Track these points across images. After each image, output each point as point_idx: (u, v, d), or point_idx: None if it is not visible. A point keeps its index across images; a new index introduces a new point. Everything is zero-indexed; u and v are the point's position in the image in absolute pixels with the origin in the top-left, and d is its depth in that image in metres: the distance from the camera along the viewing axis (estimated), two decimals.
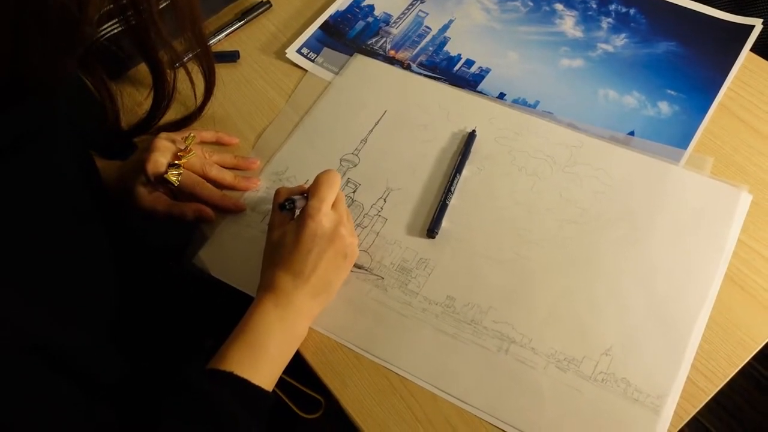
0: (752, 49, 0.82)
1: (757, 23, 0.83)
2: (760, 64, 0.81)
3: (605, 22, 0.86)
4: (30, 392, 0.46)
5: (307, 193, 0.66)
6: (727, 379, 0.63)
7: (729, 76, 0.80)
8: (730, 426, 1.27)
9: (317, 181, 0.65)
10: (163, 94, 0.74)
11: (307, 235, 0.62)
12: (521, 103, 0.80)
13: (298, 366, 0.66)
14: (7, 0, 0.41)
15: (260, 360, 0.60)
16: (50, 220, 0.54)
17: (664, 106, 0.78)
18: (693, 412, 0.61)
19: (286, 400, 0.73)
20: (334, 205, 0.65)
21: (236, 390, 0.57)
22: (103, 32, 0.78)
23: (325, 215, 0.63)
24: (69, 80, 0.66)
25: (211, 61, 0.75)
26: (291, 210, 0.65)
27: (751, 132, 0.76)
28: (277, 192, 0.67)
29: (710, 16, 0.85)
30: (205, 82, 0.76)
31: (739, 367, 0.63)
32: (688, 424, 0.62)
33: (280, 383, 0.65)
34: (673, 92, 0.79)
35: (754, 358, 0.64)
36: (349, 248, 0.65)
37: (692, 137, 0.76)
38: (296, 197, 0.65)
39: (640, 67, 0.82)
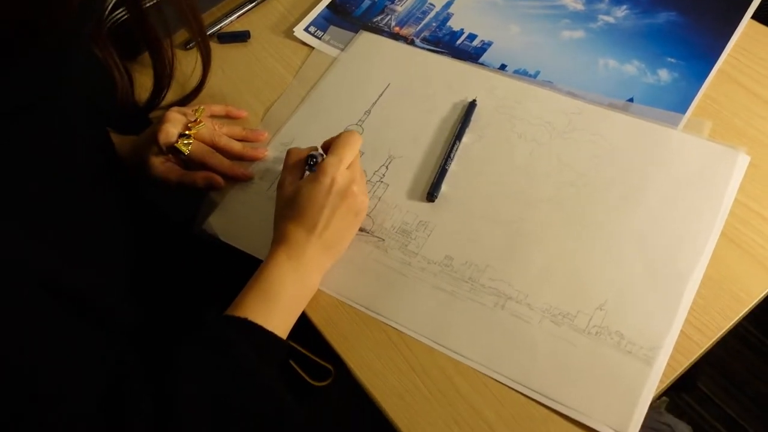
0: (754, 17, 0.82)
1: None
2: (761, 31, 0.82)
3: None
4: (45, 328, 0.49)
5: (323, 151, 0.68)
6: (721, 332, 0.63)
7: (729, 42, 0.80)
8: (729, 392, 1.24)
9: (338, 140, 0.68)
10: (162, 72, 0.79)
11: (322, 191, 0.65)
12: (522, 74, 0.82)
13: (308, 335, 0.69)
14: None
15: (274, 309, 0.63)
16: (65, 172, 0.57)
17: (664, 74, 0.79)
18: (686, 364, 0.62)
19: (297, 369, 0.76)
20: (349, 165, 0.67)
21: (250, 333, 0.60)
22: (117, 15, 0.82)
23: (340, 173, 0.65)
24: (83, 49, 0.70)
25: (206, 41, 0.80)
26: (315, 165, 0.67)
27: (750, 96, 0.77)
28: (289, 152, 0.70)
29: None
30: (202, 58, 0.81)
31: (733, 321, 0.64)
32: (687, 392, 0.62)
33: (291, 352, 0.67)
34: (672, 60, 0.80)
35: (754, 325, 0.65)
36: (361, 206, 0.68)
37: (691, 102, 0.76)
38: (318, 155, 0.68)
39: (640, 36, 0.83)
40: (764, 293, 0.65)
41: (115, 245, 0.66)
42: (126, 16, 0.82)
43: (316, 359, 0.76)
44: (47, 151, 0.56)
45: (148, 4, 0.73)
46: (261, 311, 0.62)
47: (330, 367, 0.77)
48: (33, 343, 0.49)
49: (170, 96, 0.82)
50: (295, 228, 0.66)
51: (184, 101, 0.83)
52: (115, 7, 0.80)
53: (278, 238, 0.67)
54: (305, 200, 0.66)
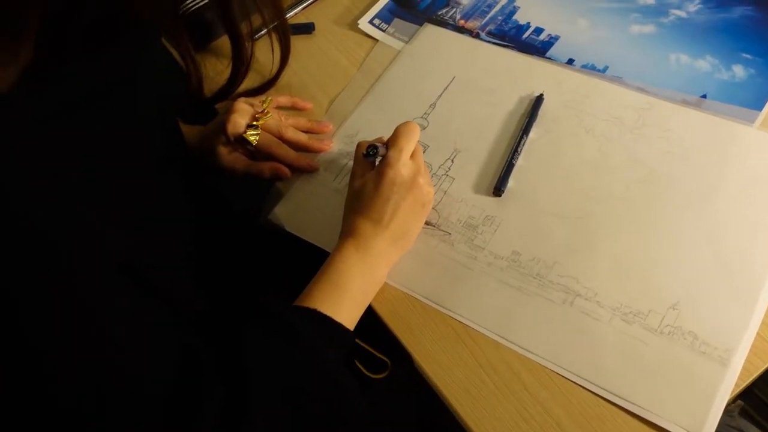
0: None
1: None
2: None
3: None
4: (123, 308, 0.50)
5: (387, 144, 0.68)
6: None
7: None
8: None
9: (397, 132, 0.68)
10: (241, 63, 0.79)
11: (387, 184, 0.65)
12: (590, 68, 0.81)
13: (367, 329, 0.69)
14: None
15: (342, 300, 0.63)
16: (137, 159, 0.59)
17: (739, 70, 0.77)
18: (763, 367, 0.61)
19: (355, 361, 0.76)
20: (412, 156, 0.67)
21: (319, 324, 0.60)
22: (188, 5, 0.83)
23: (404, 165, 0.66)
24: (156, 40, 0.71)
25: (287, 33, 0.79)
26: (374, 156, 0.67)
27: None
28: (358, 145, 0.70)
29: None
30: (281, 52, 0.80)
31: None
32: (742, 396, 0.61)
33: None
34: (748, 56, 0.78)
35: None
36: (427, 197, 0.68)
37: (767, 99, 0.74)
38: (379, 146, 0.68)
39: (713, 31, 0.81)
40: None
41: (183, 232, 0.67)
42: (202, 3, 0.84)
43: (374, 351, 0.76)
44: (121, 138, 0.58)
45: None
46: (329, 302, 0.63)
47: (387, 360, 0.77)
48: (112, 323, 0.49)
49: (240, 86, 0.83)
50: (363, 221, 0.66)
51: (255, 92, 0.83)
52: None
53: (346, 231, 0.67)
54: (371, 193, 0.66)
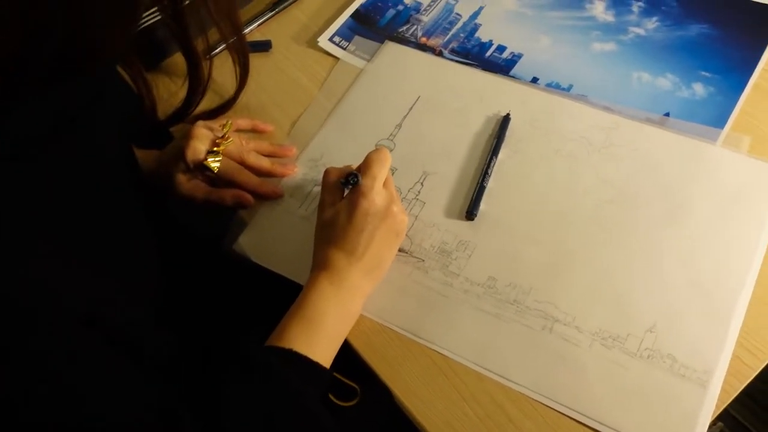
0: None
1: None
2: None
3: (636, 6, 0.86)
4: (89, 361, 0.47)
5: (359, 172, 0.66)
6: None
7: (762, 56, 0.80)
8: (762, 419, 1.25)
9: (368, 160, 0.65)
10: (198, 83, 0.75)
11: (361, 214, 0.63)
12: (554, 87, 0.81)
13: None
14: None
15: (318, 337, 0.61)
16: (95, 199, 0.55)
17: (699, 88, 0.78)
18: (740, 387, 0.61)
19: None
20: (385, 184, 0.65)
21: (296, 365, 0.58)
22: (140, 22, 0.79)
23: (377, 194, 0.64)
24: (110, 68, 0.67)
25: (245, 50, 0.76)
26: (355, 185, 0.65)
27: None
28: (327, 172, 0.68)
29: None
30: (240, 70, 0.77)
31: None
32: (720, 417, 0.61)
33: None
34: (707, 74, 0.79)
35: None
36: (401, 225, 0.66)
37: (728, 117, 0.76)
38: (357, 173, 0.66)
39: (672, 49, 0.82)
40: None
41: (147, 268, 0.63)
42: (153, 21, 0.79)
43: (343, 379, 0.74)
44: (80, 175, 0.54)
45: (185, 4, 0.67)
46: (304, 340, 0.60)
47: (356, 386, 0.75)
48: (79, 382, 0.46)
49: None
50: (336, 252, 0.64)
51: (212, 114, 0.80)
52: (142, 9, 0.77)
53: (319, 263, 0.65)
54: (344, 223, 0.64)
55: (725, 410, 0.62)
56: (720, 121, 0.75)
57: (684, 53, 0.81)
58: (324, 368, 0.61)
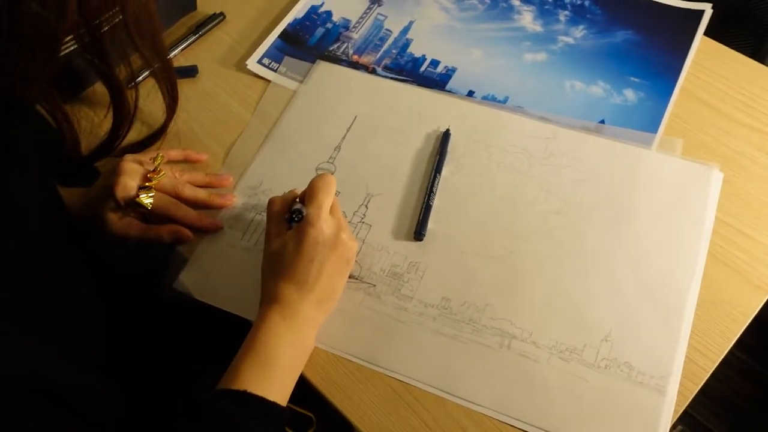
0: (705, 33, 0.84)
1: (707, 8, 0.86)
2: (714, 47, 0.84)
3: (562, 15, 0.88)
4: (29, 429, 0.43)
5: (302, 199, 0.64)
6: (723, 355, 0.64)
7: (687, 60, 0.82)
8: (718, 415, 1.29)
9: (313, 187, 0.63)
10: (123, 114, 0.70)
11: (309, 244, 0.61)
12: (491, 100, 0.81)
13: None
14: None
15: (273, 375, 0.58)
16: (19, 253, 0.51)
17: (630, 93, 0.80)
18: (695, 389, 0.62)
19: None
20: (331, 211, 0.63)
21: (253, 408, 0.55)
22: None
23: (324, 222, 0.61)
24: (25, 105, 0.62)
25: (172, 75, 0.72)
26: (299, 221, 0.62)
27: (714, 112, 0.78)
28: (271, 201, 0.65)
29: (662, 3, 0.87)
30: (168, 98, 0.73)
31: (733, 342, 0.65)
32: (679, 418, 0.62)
33: None
34: (636, 79, 0.81)
35: (739, 348, 0.66)
36: (350, 252, 0.64)
37: (660, 121, 0.77)
38: (300, 207, 0.63)
39: (601, 56, 0.83)
40: (757, 310, 0.66)
41: (84, 317, 0.59)
42: (70, 50, 0.74)
43: (297, 409, 0.72)
44: (2, 227, 0.50)
45: (103, 30, 0.64)
46: (260, 380, 0.58)
47: (311, 415, 0.72)
48: None
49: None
50: (286, 285, 0.61)
51: (140, 146, 0.75)
52: None
53: (269, 298, 0.62)
54: (293, 254, 0.62)
55: (686, 412, 0.63)
56: (653, 126, 0.77)
57: (612, 60, 0.83)
58: (281, 407, 0.58)
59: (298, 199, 0.65)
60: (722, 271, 0.68)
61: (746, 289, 0.67)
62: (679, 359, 0.63)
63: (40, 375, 0.46)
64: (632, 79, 0.81)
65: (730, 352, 0.64)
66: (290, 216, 0.63)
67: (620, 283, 0.67)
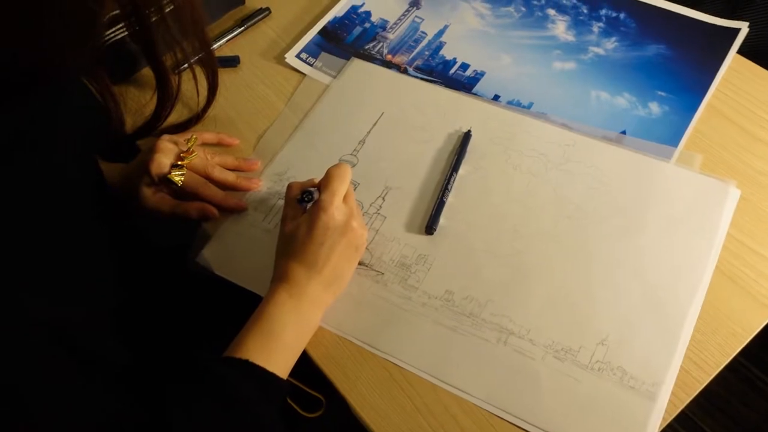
0: (739, 51, 0.84)
1: (743, 26, 0.85)
2: (747, 66, 0.84)
3: (596, 26, 0.89)
4: (48, 373, 0.47)
5: (319, 186, 0.67)
6: (719, 369, 0.64)
7: (717, 77, 0.82)
8: (725, 425, 1.28)
9: (329, 175, 0.67)
10: (166, 97, 0.76)
11: (320, 228, 0.64)
12: (515, 105, 0.83)
13: (299, 365, 0.68)
14: None
15: (275, 349, 0.62)
16: (52, 216, 0.56)
17: (655, 107, 0.81)
18: (687, 400, 0.63)
19: (288, 399, 0.75)
20: (345, 198, 0.66)
21: (251, 376, 0.59)
22: (108, 37, 0.80)
23: (337, 208, 0.65)
24: (73, 82, 0.68)
25: (214, 64, 0.77)
26: (308, 202, 0.66)
27: (738, 131, 0.78)
28: (289, 186, 0.69)
29: (698, 19, 0.88)
30: (209, 84, 0.78)
31: (731, 357, 0.65)
32: (684, 425, 0.63)
33: None
34: (663, 93, 0.82)
35: (747, 359, 0.66)
36: (360, 240, 0.67)
37: (682, 136, 0.78)
38: (313, 190, 0.67)
39: (630, 69, 0.84)
40: (760, 328, 0.66)
41: (108, 280, 0.64)
42: (122, 35, 0.80)
43: (308, 389, 0.75)
44: (43, 190, 0.55)
45: (152, 19, 0.67)
46: (262, 352, 0.61)
47: (321, 397, 0.75)
48: (36, 395, 0.47)
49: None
50: (296, 265, 0.65)
51: (180, 128, 0.81)
52: (111, 24, 0.77)
53: (279, 276, 0.66)
54: (304, 237, 0.65)
55: (691, 419, 0.63)
56: (674, 140, 0.78)
57: (641, 72, 0.84)
58: (281, 379, 0.61)
59: (315, 187, 0.69)
60: (728, 287, 0.68)
61: (751, 306, 0.67)
62: (674, 368, 0.64)
63: (60, 322, 0.50)
64: (659, 92, 0.82)
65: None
66: (302, 196, 0.67)
67: (623, 289, 0.68)
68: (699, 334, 0.65)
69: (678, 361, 0.64)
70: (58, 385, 0.48)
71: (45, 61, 0.48)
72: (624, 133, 0.79)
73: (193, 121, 0.82)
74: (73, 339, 0.51)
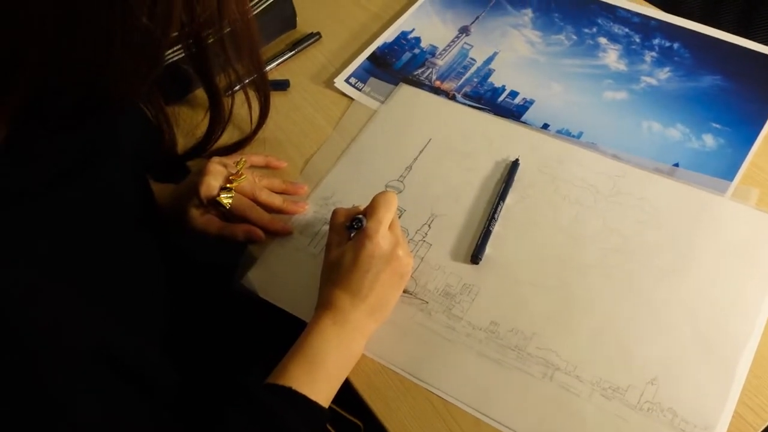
0: None
1: None
2: None
3: (649, 56, 0.87)
4: (99, 396, 0.48)
5: (365, 214, 0.67)
6: None
7: None
8: None
9: (375, 203, 0.67)
10: (218, 119, 0.77)
11: (366, 256, 0.64)
12: (565, 134, 0.82)
13: (338, 390, 0.67)
14: (98, 18, 0.44)
15: (318, 376, 0.61)
16: (106, 236, 0.57)
17: (709, 139, 0.79)
18: None
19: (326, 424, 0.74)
20: (390, 227, 0.66)
21: (295, 405, 0.59)
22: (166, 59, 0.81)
23: (382, 237, 0.65)
24: (133, 109, 0.69)
25: (267, 87, 0.78)
26: (358, 229, 0.66)
27: None
28: (335, 212, 0.69)
29: (754, 50, 0.86)
30: (260, 107, 0.79)
31: None
32: None
33: None
34: (718, 125, 0.80)
35: None
36: (405, 268, 0.67)
37: (738, 169, 0.76)
38: (362, 217, 0.67)
39: (684, 100, 0.83)
40: None
41: (156, 301, 0.65)
42: (179, 57, 0.82)
43: (346, 414, 0.75)
44: (97, 211, 0.56)
45: (209, 42, 0.67)
46: (305, 379, 0.61)
47: (359, 423, 0.75)
48: (85, 416, 0.48)
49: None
50: (341, 293, 0.65)
51: (230, 150, 0.82)
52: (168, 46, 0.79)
53: (323, 303, 0.66)
54: (350, 265, 0.65)
55: None
56: (729, 173, 0.76)
57: (695, 104, 0.82)
58: (323, 408, 0.61)
59: (361, 215, 0.69)
60: None
61: None
62: (727, 413, 0.61)
63: (114, 347, 0.51)
64: (714, 125, 0.80)
65: None
66: (351, 223, 0.67)
67: (674, 328, 0.66)
68: (755, 378, 0.63)
69: (732, 404, 0.62)
70: (106, 406, 0.48)
71: (109, 88, 0.49)
72: (677, 165, 0.77)
73: (243, 143, 0.83)
74: (122, 360, 0.51)
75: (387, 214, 0.66)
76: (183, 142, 0.81)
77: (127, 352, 0.53)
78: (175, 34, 0.66)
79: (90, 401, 0.47)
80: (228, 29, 0.67)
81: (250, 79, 0.75)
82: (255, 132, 0.82)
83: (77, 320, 0.49)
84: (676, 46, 0.88)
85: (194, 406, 0.58)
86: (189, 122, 0.86)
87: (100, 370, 0.49)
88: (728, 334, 0.65)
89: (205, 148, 0.80)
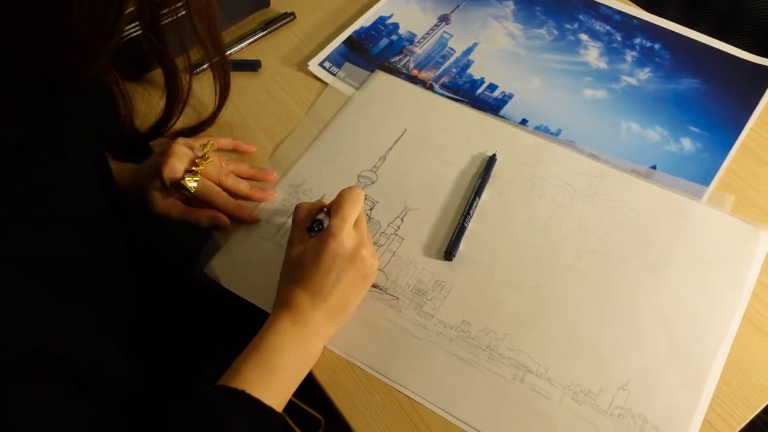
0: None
1: None
2: None
3: (629, 55, 0.86)
4: (36, 396, 0.45)
5: (329, 209, 0.64)
6: (744, 423, 0.61)
7: (752, 116, 0.80)
8: None
9: (340, 199, 0.64)
10: (175, 98, 0.73)
11: (328, 255, 0.61)
12: (543, 130, 0.80)
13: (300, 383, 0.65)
14: None
15: (273, 379, 0.59)
16: (62, 218, 0.53)
17: (687, 143, 0.78)
18: None
19: (286, 418, 0.72)
20: (355, 224, 0.63)
21: (247, 409, 0.56)
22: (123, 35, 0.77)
23: (347, 235, 0.62)
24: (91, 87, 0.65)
25: (227, 69, 0.74)
26: (318, 231, 0.63)
27: None
28: (298, 207, 0.66)
29: (735, 56, 0.85)
30: (220, 89, 0.75)
31: (757, 411, 0.62)
32: None
33: None
34: (696, 129, 0.79)
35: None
36: (369, 270, 0.64)
37: (714, 175, 0.75)
38: (323, 217, 0.64)
39: (663, 102, 0.82)
40: None
41: (115, 289, 0.61)
42: (136, 34, 0.77)
43: (307, 408, 0.72)
44: (54, 192, 0.52)
45: (166, 21, 0.66)
46: (260, 382, 0.58)
47: (321, 417, 0.73)
48: (23, 414, 0.44)
49: (176, 123, 0.77)
50: (300, 293, 0.62)
51: (192, 131, 0.78)
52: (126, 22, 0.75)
53: (282, 302, 0.63)
54: (311, 263, 0.62)
55: None
56: (705, 178, 0.75)
57: (674, 107, 0.81)
58: (277, 413, 0.58)
59: (325, 209, 0.66)
60: (756, 338, 0.65)
61: None
62: (697, 420, 0.61)
63: (56, 342, 0.48)
64: (692, 128, 0.79)
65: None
66: (310, 225, 0.64)
67: (647, 333, 0.65)
68: (725, 386, 0.63)
69: (702, 411, 0.61)
70: (40, 405, 0.45)
71: (69, 60, 0.45)
72: (654, 167, 0.76)
73: (206, 124, 0.80)
74: (66, 358, 0.48)
75: (353, 212, 0.63)
76: (141, 122, 0.77)
77: (74, 348, 0.49)
78: (132, 8, 0.62)
79: (24, 399, 0.44)
80: (186, 7, 0.64)
81: (212, 61, 0.72)
82: (216, 113, 0.79)
83: (22, 316, 0.45)
84: (657, 46, 0.87)
85: (144, 407, 0.55)
86: (146, 102, 0.82)
87: (40, 368, 0.45)
88: (700, 340, 0.65)
89: (163, 128, 0.77)
